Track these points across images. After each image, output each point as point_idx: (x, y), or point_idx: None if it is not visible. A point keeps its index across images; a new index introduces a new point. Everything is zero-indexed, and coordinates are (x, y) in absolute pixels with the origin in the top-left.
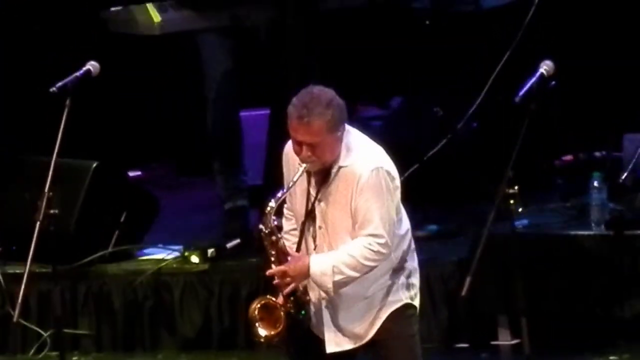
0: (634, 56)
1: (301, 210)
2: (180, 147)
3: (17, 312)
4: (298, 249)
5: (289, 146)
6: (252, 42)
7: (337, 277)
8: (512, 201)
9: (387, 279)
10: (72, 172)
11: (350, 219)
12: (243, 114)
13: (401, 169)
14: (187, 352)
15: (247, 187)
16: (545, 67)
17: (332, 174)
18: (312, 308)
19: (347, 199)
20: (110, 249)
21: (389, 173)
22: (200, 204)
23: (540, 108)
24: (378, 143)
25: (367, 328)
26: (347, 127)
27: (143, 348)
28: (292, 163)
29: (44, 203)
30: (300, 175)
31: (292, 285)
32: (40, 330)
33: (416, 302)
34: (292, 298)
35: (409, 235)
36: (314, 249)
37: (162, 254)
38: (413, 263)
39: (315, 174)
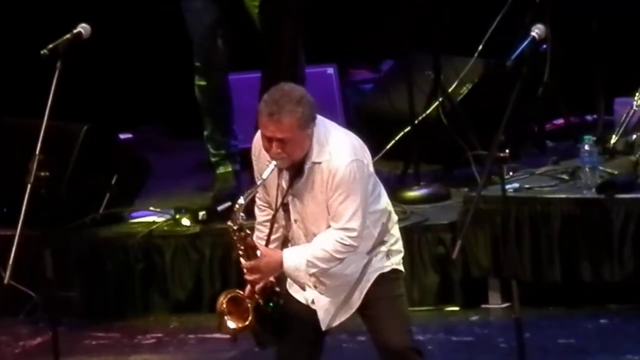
0: (626, 20)
1: (274, 203)
2: (171, 109)
3: (8, 274)
4: (267, 242)
5: (257, 138)
6: (239, 6)
7: (311, 271)
8: (503, 165)
9: (371, 252)
10: (63, 135)
11: (327, 213)
12: (233, 77)
13: (392, 131)
14: (178, 315)
15: (238, 151)
16: (537, 30)
17: (306, 170)
18: (304, 290)
19: (324, 196)
20: (101, 212)
21: (362, 162)
22: (192, 166)
23: (531, 72)
24: (369, 107)
25: (357, 296)
26: (317, 118)
27: (134, 311)
28: (263, 156)
29: (35, 165)
30: (270, 173)
31: (263, 281)
32: (31, 293)
33: (401, 268)
34: (260, 290)
35: (390, 208)
36: (289, 243)
37: (153, 217)
38: (396, 232)
39: (287, 169)
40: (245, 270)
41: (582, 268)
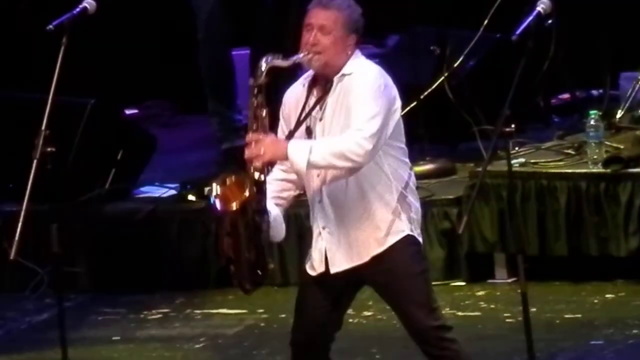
0: None
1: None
2: (176, 84)
3: (14, 249)
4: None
5: (289, 94)
6: None
7: (313, 158)
8: (508, 139)
9: (389, 200)
10: (69, 110)
11: None
12: (237, 52)
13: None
14: (184, 290)
15: (243, 126)
16: (542, 5)
17: (335, 81)
18: (316, 240)
19: (347, 107)
20: (107, 187)
21: (391, 87)
22: (197, 141)
23: (537, 46)
24: None
25: (369, 245)
26: (359, 52)
27: (140, 286)
28: (292, 111)
29: (41, 141)
30: (301, 59)
31: (262, 159)
32: (37, 268)
33: (419, 239)
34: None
35: (412, 173)
36: (317, 175)
37: (159, 192)
38: (416, 203)
39: (316, 88)
40: (248, 142)
41: (588, 243)
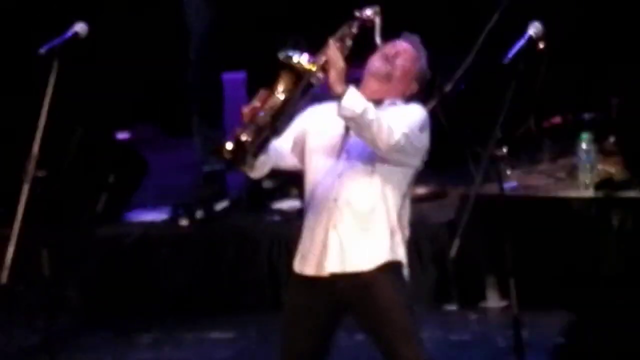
0: (624, 18)
1: (326, 141)
2: (167, 107)
3: (4, 274)
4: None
5: (323, 106)
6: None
7: (370, 108)
8: (500, 162)
9: (387, 228)
10: (60, 134)
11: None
12: (226, 76)
13: None
14: (174, 314)
15: None
16: (534, 29)
17: (384, 104)
18: (316, 239)
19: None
20: (98, 211)
21: (427, 136)
22: (189, 164)
23: (528, 69)
24: None
25: (368, 255)
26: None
27: (131, 310)
28: (324, 111)
29: (32, 164)
30: (377, 28)
31: (330, 59)
32: (27, 292)
33: (407, 276)
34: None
35: (406, 218)
36: (338, 175)
37: (150, 216)
38: (404, 249)
39: None
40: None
41: (580, 266)
